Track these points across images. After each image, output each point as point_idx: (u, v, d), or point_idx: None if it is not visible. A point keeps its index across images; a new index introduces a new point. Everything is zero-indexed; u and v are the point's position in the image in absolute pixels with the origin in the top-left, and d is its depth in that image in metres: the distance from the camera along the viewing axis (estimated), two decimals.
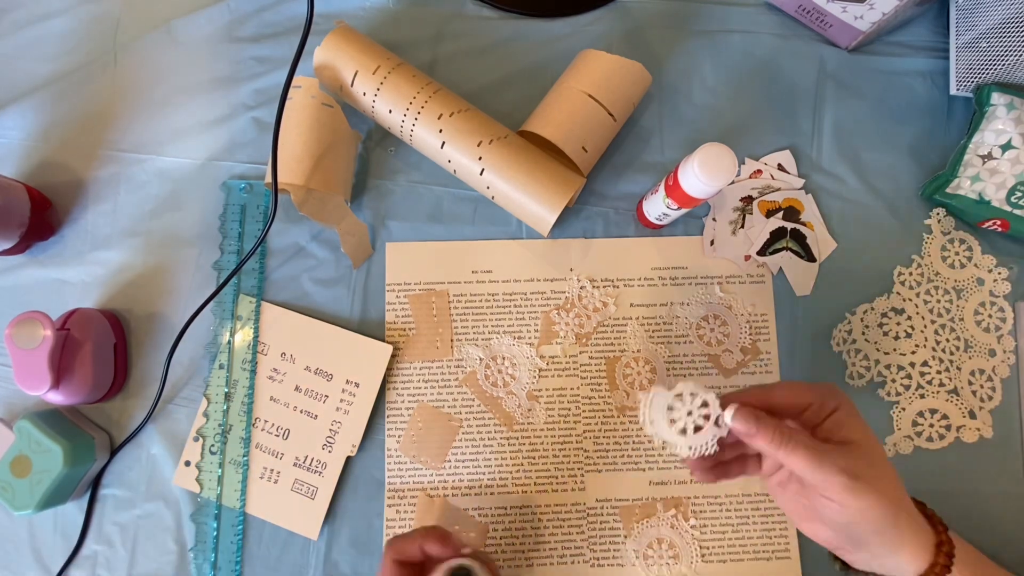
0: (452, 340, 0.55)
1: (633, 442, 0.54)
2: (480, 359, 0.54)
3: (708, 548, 0.52)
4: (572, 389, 0.54)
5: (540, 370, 0.54)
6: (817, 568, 0.52)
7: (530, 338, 0.55)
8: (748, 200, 0.56)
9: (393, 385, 0.54)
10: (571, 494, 0.53)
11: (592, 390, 0.54)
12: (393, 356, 0.54)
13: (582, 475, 0.53)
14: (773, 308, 0.55)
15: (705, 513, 0.53)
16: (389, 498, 0.53)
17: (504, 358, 0.55)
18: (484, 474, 0.53)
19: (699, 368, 0.54)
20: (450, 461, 0.53)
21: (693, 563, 0.52)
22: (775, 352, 0.55)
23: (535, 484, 0.53)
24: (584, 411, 0.54)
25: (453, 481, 0.53)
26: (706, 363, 0.55)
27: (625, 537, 0.52)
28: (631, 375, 0.54)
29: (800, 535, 0.52)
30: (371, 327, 0.55)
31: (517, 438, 0.54)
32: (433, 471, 0.53)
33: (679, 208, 0.49)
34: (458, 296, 0.55)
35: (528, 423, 0.54)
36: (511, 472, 0.53)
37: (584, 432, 0.54)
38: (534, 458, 0.53)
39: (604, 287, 0.55)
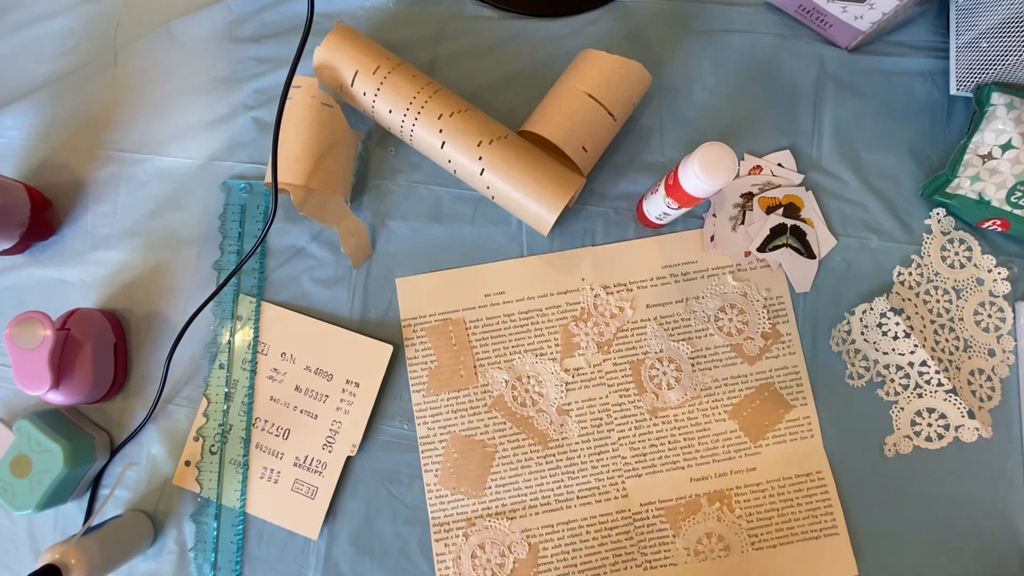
0: (475, 366, 0.54)
1: (668, 442, 0.53)
2: (506, 381, 0.54)
3: (757, 535, 0.52)
4: (601, 398, 0.54)
5: (567, 384, 0.54)
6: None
7: (552, 353, 0.54)
8: (748, 196, 0.56)
9: (423, 420, 0.54)
10: (615, 502, 0.53)
11: (621, 396, 0.54)
12: (419, 391, 0.54)
13: (623, 482, 0.53)
14: (788, 288, 0.55)
15: (749, 502, 0.53)
16: (435, 533, 0.53)
17: (529, 377, 0.54)
18: (526, 495, 0.53)
19: (723, 360, 0.54)
20: (490, 487, 0.53)
21: (745, 552, 0.52)
22: (796, 332, 0.55)
23: (578, 497, 0.53)
24: (616, 418, 0.54)
25: (496, 507, 0.53)
26: (729, 353, 0.54)
27: (674, 536, 0.52)
28: (657, 376, 0.54)
29: (846, 509, 0.52)
30: (371, 327, 0.55)
31: (554, 455, 0.53)
32: (475, 499, 0.53)
33: (679, 207, 0.49)
34: (474, 322, 0.55)
35: (562, 438, 0.54)
36: (552, 489, 0.53)
37: (619, 439, 0.54)
38: (573, 472, 0.53)
39: (618, 292, 0.55)
